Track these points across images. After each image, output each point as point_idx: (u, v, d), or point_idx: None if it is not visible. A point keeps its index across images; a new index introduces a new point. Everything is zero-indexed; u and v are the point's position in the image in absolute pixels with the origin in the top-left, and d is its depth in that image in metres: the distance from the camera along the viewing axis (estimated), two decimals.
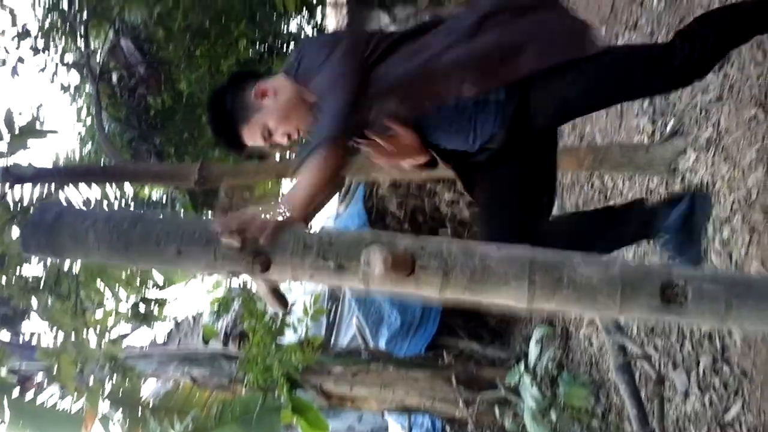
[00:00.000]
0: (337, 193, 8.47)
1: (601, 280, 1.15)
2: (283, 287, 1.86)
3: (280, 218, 1.38)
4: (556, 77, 1.69)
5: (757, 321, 1.15)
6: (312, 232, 1.27)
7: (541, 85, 1.72)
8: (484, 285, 1.19)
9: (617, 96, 2.06)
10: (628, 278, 1.15)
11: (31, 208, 3.70)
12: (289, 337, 6.09)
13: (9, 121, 3.48)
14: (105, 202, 4.83)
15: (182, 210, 4.85)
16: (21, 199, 4.01)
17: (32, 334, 4.19)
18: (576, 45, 1.71)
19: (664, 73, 1.76)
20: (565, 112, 1.91)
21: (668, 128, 3.30)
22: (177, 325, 6.91)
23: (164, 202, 5.10)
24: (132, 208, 5.11)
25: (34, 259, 4.02)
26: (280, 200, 1.52)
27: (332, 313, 6.88)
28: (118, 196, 5.07)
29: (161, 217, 1.36)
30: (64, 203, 1.33)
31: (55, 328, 3.88)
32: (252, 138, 1.81)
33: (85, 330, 3.89)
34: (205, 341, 6.64)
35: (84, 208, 1.50)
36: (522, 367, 4.85)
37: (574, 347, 4.76)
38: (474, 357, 6.12)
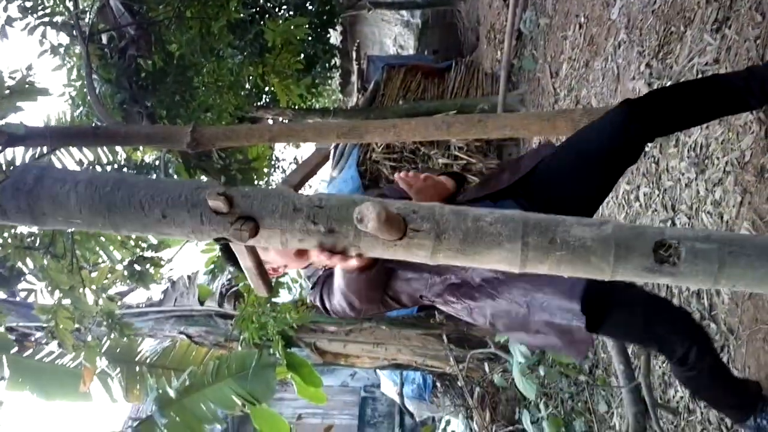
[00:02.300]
0: (331, 158, 8.45)
1: (595, 240, 1.12)
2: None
3: None
4: None
5: (751, 280, 1.10)
6: (301, 194, 1.22)
7: None
8: (476, 247, 1.15)
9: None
10: (622, 238, 1.12)
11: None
12: (284, 297, 6.15)
13: None
14: (98, 167, 4.81)
15: (176, 174, 4.80)
16: (13, 161, 3.99)
17: (28, 293, 4.18)
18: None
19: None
20: None
21: None
22: (173, 284, 6.94)
23: (157, 165, 5.05)
24: (125, 171, 5.09)
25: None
26: None
27: None
28: (111, 160, 5.03)
29: (145, 180, 1.27)
30: (48, 166, 1.19)
31: (51, 286, 3.88)
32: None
33: (81, 287, 3.91)
34: (201, 301, 6.69)
35: (66, 170, 1.40)
36: None
37: None
38: None
